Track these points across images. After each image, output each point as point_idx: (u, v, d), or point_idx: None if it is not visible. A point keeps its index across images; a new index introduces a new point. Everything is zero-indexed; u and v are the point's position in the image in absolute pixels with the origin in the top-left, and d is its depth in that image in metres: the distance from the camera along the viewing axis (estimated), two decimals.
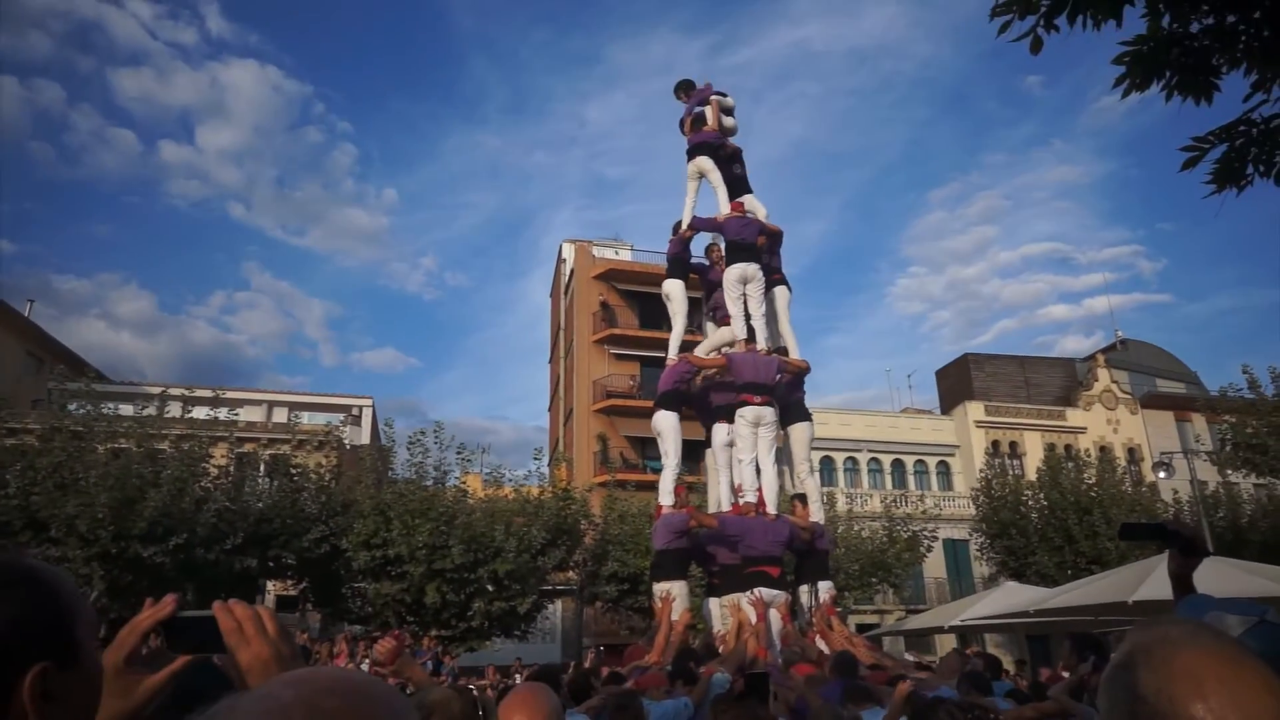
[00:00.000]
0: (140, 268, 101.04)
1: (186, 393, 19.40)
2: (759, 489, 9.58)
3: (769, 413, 9.74)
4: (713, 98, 11.68)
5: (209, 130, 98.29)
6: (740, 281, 10.34)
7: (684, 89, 11.90)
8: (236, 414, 20.12)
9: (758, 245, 10.68)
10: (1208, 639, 0.92)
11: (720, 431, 10.00)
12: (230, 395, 22.36)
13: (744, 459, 9.63)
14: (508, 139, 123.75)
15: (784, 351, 10.52)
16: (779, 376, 10.06)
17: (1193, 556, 2.34)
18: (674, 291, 10.90)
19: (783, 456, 10.43)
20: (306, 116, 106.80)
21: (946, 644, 22.88)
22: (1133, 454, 35.38)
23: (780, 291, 10.98)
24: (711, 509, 10.22)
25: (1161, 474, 22.65)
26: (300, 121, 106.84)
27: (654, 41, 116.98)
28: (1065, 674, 8.26)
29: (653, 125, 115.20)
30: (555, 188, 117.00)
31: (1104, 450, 34.04)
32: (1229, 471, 25.18)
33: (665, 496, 9.51)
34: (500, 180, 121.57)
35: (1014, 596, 16.72)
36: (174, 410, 18.67)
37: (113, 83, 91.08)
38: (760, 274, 10.49)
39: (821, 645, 8.41)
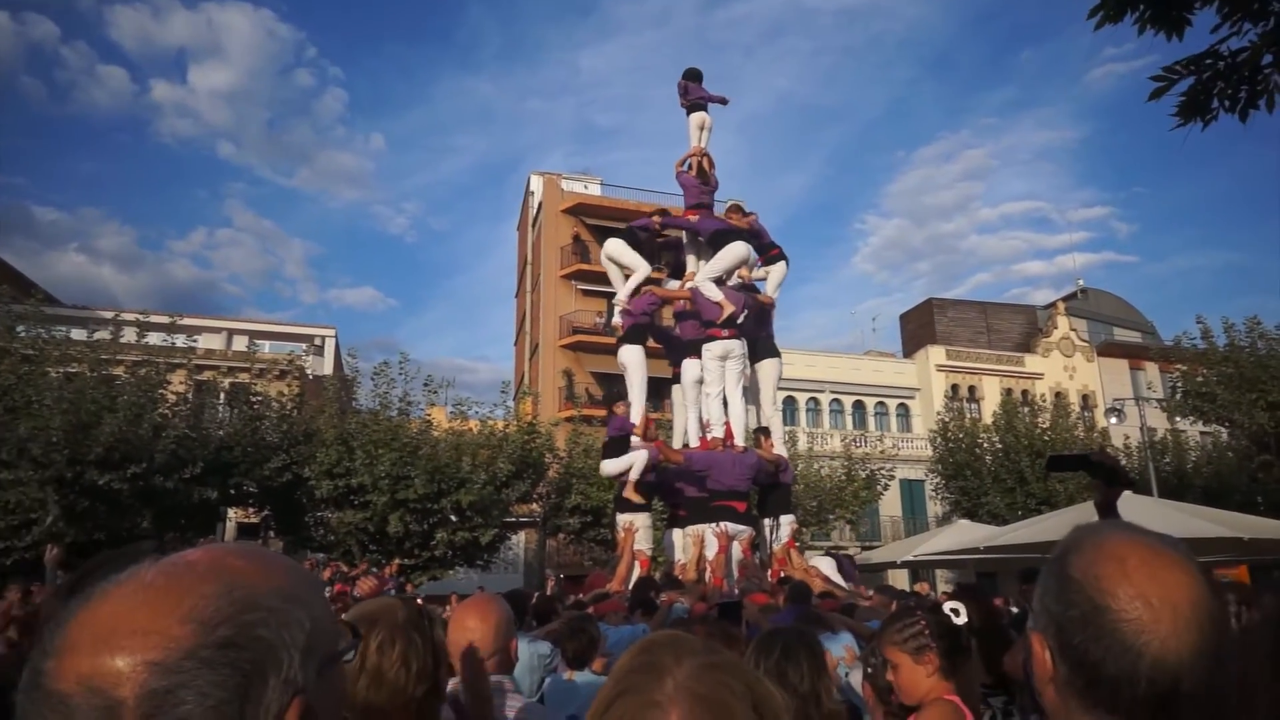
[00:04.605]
0: (123, 203, 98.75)
1: (141, 318, 18.89)
2: (726, 422, 9.67)
3: (737, 346, 9.78)
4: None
5: (202, 71, 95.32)
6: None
7: (691, 78, 11.68)
8: (195, 340, 19.63)
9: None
10: (1133, 530, 1.00)
11: (691, 367, 10.02)
12: (187, 322, 21.88)
13: (711, 392, 9.69)
14: (501, 85, 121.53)
15: (752, 288, 10.53)
16: (744, 312, 10.08)
17: (1115, 486, 2.54)
18: (616, 251, 10.76)
19: (750, 393, 10.51)
20: (299, 60, 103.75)
21: (899, 579, 23.62)
22: (1086, 400, 36.26)
23: (778, 267, 11.02)
24: (677, 444, 10.31)
25: (1113, 420, 23.32)
26: (292, 64, 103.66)
27: None
28: (1014, 610, 8.66)
29: (645, 75, 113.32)
30: (545, 134, 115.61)
31: (1059, 396, 34.85)
32: (1177, 419, 25.96)
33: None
34: (491, 126, 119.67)
35: (966, 534, 17.25)
36: (130, 336, 18.21)
37: (107, 19, 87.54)
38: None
39: None
